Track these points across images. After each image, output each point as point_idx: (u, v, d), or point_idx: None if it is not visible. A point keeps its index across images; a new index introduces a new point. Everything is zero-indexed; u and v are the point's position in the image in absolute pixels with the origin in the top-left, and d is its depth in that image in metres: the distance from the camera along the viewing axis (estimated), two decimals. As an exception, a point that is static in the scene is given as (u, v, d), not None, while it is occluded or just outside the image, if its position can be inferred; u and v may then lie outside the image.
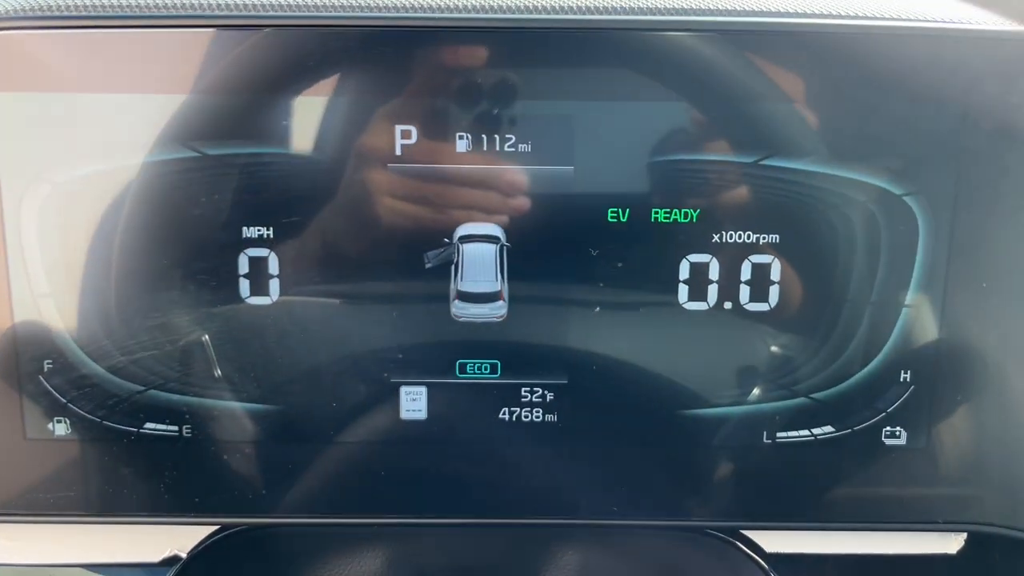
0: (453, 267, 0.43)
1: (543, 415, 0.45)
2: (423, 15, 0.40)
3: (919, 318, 0.44)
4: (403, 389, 0.45)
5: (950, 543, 0.48)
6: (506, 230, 0.43)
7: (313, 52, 0.41)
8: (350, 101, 0.41)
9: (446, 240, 0.43)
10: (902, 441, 0.45)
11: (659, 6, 0.41)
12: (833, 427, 0.45)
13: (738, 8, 0.41)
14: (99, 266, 0.43)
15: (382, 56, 0.41)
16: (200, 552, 0.47)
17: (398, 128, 0.42)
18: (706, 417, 0.45)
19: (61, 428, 0.45)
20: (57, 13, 0.40)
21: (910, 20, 0.41)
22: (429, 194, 0.43)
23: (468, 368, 0.45)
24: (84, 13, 0.40)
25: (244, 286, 0.43)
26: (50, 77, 0.41)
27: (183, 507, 0.45)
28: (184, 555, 0.46)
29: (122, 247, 0.43)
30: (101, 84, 0.41)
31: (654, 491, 0.46)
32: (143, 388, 0.44)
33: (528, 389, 0.45)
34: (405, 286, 0.44)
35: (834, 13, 0.41)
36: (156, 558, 0.46)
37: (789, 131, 0.42)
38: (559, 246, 0.43)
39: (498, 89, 0.41)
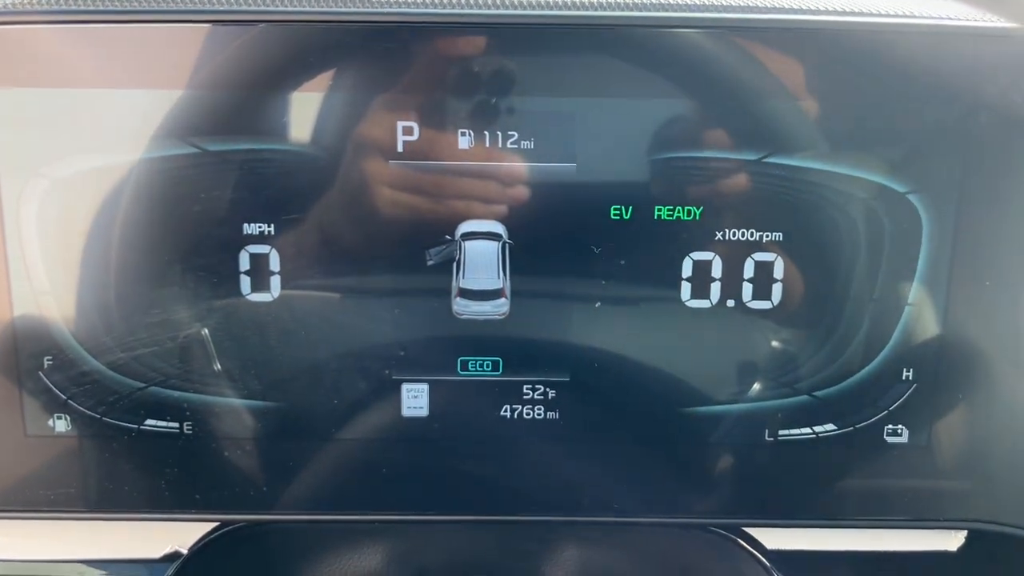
0: (455, 264, 0.43)
1: (545, 412, 0.45)
2: (425, 11, 0.40)
3: (922, 316, 0.44)
4: (405, 386, 0.45)
5: (951, 541, 0.48)
6: (508, 227, 0.43)
7: (315, 47, 0.41)
8: (352, 97, 0.41)
9: (448, 237, 0.43)
10: (904, 439, 0.45)
11: (663, 2, 0.41)
12: (835, 425, 0.45)
13: (742, 5, 0.41)
14: (99, 263, 0.42)
15: (384, 52, 0.41)
16: (201, 548, 0.46)
17: (400, 124, 0.41)
18: (708, 414, 0.45)
19: (62, 425, 0.44)
20: (55, 8, 0.40)
21: (914, 17, 0.41)
22: (431, 190, 0.42)
23: (470, 365, 0.45)
24: (82, 8, 0.40)
25: (245, 283, 0.43)
26: (49, 72, 0.40)
27: (184, 504, 0.45)
28: (185, 551, 0.46)
29: (122, 244, 0.42)
30: (100, 79, 0.41)
31: (656, 488, 0.46)
32: (144, 385, 0.44)
33: (530, 386, 0.45)
34: (407, 283, 0.43)
35: (839, 10, 0.41)
36: (157, 554, 0.46)
37: (793, 128, 0.42)
38: (561, 243, 0.43)
39: (500, 85, 0.41)
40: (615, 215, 0.43)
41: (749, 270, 0.43)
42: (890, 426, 0.45)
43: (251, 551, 0.49)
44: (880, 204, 0.43)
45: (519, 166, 0.42)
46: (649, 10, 0.41)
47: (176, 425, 0.45)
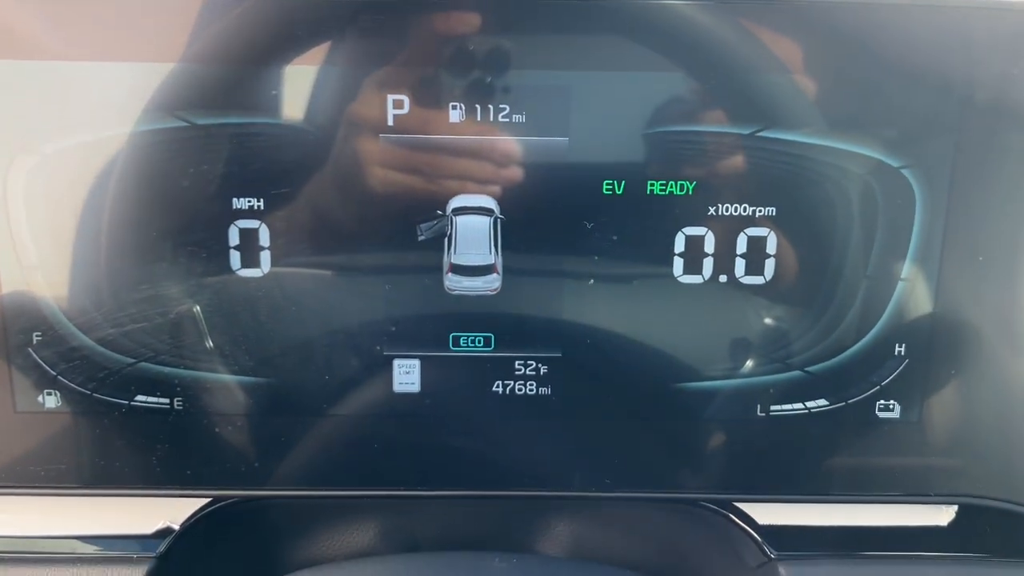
0: (446, 240, 0.43)
1: (537, 388, 0.45)
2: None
3: (914, 291, 0.44)
4: (396, 362, 0.45)
5: (941, 515, 0.49)
6: (500, 202, 0.43)
7: (304, 20, 0.40)
8: (341, 70, 0.41)
9: (439, 212, 0.43)
10: (896, 414, 0.45)
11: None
12: (827, 400, 0.45)
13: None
14: (88, 237, 0.42)
15: (374, 24, 0.40)
16: (193, 524, 0.46)
17: (390, 98, 0.41)
18: (700, 390, 0.45)
19: (51, 401, 0.44)
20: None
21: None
22: (422, 164, 0.42)
23: (462, 341, 0.45)
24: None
25: (235, 258, 0.43)
26: (37, 45, 0.40)
27: (175, 479, 0.45)
28: (177, 527, 0.46)
29: (111, 218, 0.42)
30: (88, 52, 0.40)
31: (648, 464, 0.46)
32: (133, 360, 0.44)
33: (522, 362, 0.45)
34: (398, 258, 0.43)
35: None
36: (149, 530, 0.46)
37: (786, 102, 0.42)
38: (554, 218, 0.43)
39: (492, 58, 0.41)
40: (607, 190, 0.42)
41: (742, 245, 0.43)
42: (882, 401, 0.45)
43: (243, 527, 0.49)
44: (874, 179, 0.43)
45: (511, 140, 0.42)
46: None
47: (167, 401, 0.44)
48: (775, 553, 0.47)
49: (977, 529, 0.48)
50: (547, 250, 0.43)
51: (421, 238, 0.43)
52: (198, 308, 0.43)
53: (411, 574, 0.43)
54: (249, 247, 0.43)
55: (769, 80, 0.41)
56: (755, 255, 0.43)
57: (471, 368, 0.45)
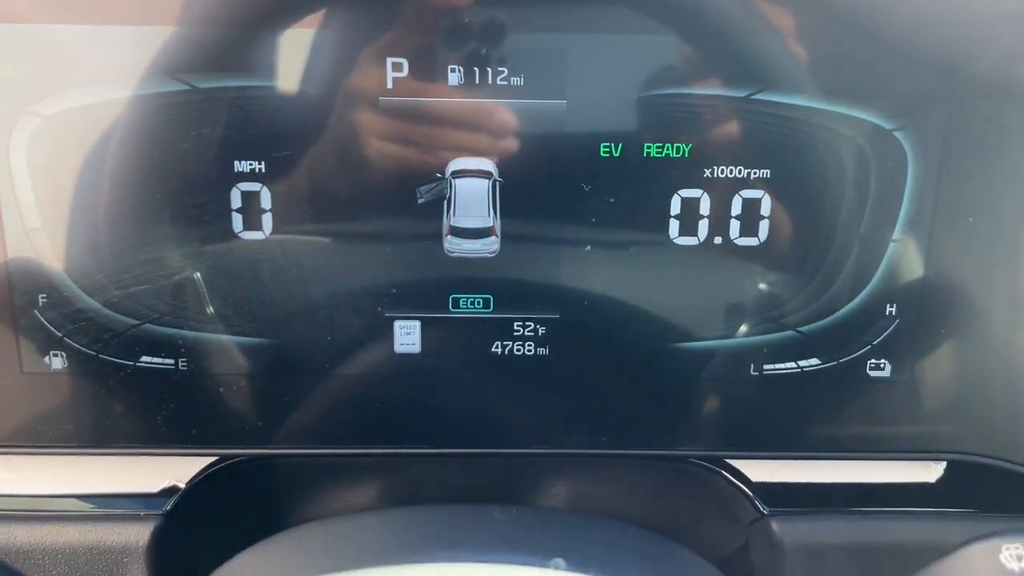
0: (446, 202, 0.43)
1: (535, 349, 0.46)
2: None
3: (906, 253, 0.45)
4: (397, 323, 0.45)
5: (930, 472, 0.49)
6: (499, 165, 0.43)
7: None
8: (342, 33, 0.41)
9: (438, 175, 0.43)
10: (886, 373, 0.46)
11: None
12: (819, 359, 0.46)
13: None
14: (91, 200, 0.43)
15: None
16: (198, 483, 0.47)
17: (390, 61, 0.41)
18: (695, 350, 0.46)
19: (58, 362, 0.45)
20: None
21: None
22: (421, 128, 0.42)
23: (461, 303, 0.45)
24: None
25: (237, 220, 0.43)
26: (38, 8, 0.40)
27: (180, 439, 0.46)
28: (183, 485, 0.47)
29: (113, 181, 0.42)
30: (90, 16, 0.40)
31: (643, 422, 0.47)
32: (138, 322, 0.44)
33: (520, 323, 0.46)
34: (398, 221, 0.44)
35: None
36: (155, 488, 0.47)
37: (781, 65, 0.42)
38: (551, 181, 0.43)
39: (490, 21, 0.41)
40: (605, 152, 0.43)
41: (736, 207, 0.44)
42: (873, 360, 0.46)
43: (248, 485, 0.50)
44: (867, 141, 0.43)
45: (509, 104, 0.42)
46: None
47: (171, 362, 0.45)
48: (767, 509, 0.48)
49: (965, 485, 0.49)
50: (545, 213, 0.44)
51: (420, 201, 0.43)
52: (201, 270, 0.44)
53: (412, 527, 0.43)
54: (251, 210, 0.43)
55: (764, 43, 0.42)
56: (749, 217, 0.44)
57: (470, 329, 0.45)
